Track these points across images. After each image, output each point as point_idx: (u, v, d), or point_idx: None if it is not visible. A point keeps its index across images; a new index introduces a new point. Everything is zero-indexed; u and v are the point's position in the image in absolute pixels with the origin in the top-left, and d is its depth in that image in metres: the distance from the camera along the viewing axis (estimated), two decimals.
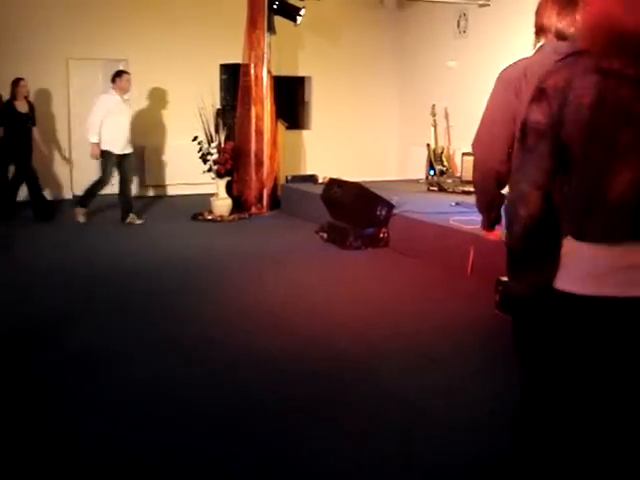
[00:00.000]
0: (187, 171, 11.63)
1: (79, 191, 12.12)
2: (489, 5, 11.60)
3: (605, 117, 1.97)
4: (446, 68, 12.25)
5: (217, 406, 4.13)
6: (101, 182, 9.95)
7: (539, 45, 3.14)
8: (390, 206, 8.52)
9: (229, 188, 10.69)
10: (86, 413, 4.00)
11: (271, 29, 10.88)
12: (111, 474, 3.37)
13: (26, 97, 10.21)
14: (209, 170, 10.39)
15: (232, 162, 10.42)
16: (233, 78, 11.16)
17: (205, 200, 10.60)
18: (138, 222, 9.97)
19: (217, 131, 10.49)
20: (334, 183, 9.05)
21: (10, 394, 4.24)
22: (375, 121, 13.96)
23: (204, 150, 10.32)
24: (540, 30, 3.13)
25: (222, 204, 10.47)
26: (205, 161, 10.35)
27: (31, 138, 10.21)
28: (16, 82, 10.08)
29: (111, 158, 9.80)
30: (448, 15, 12.32)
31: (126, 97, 9.99)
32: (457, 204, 8.97)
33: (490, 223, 3.35)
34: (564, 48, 2.69)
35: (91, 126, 9.76)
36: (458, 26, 12.24)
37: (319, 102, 13.70)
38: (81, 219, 9.98)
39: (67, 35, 11.82)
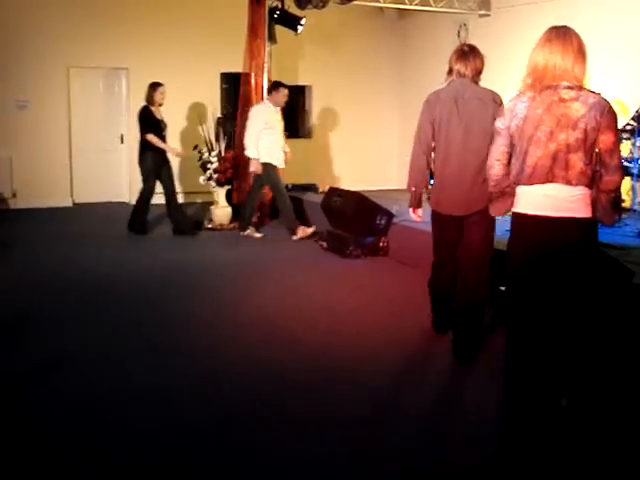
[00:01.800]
0: (187, 179, 11.63)
1: (78, 199, 12.17)
2: (489, 15, 11.63)
3: (528, 124, 3.53)
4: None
5: (211, 414, 4.13)
6: (282, 194, 9.71)
7: (450, 79, 5.29)
8: (390, 215, 8.53)
9: (229, 197, 10.70)
10: (72, 417, 4.02)
11: (272, 38, 10.91)
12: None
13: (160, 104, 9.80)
14: (209, 179, 10.39)
15: (232, 171, 10.43)
16: (234, 87, 11.20)
17: (205, 209, 10.60)
18: (257, 235, 9.79)
19: (217, 140, 10.50)
20: (334, 192, 9.06)
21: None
22: (376, 130, 13.98)
23: (204, 159, 10.33)
24: (450, 70, 5.31)
25: (222, 213, 10.48)
26: (205, 170, 10.36)
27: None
28: (155, 86, 9.70)
29: (274, 169, 9.61)
30: (448, 25, 12.34)
31: (278, 108, 9.76)
32: None
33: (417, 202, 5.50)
34: (463, 82, 5.20)
35: (250, 141, 9.50)
36: (458, 36, 12.24)
37: (319, 111, 13.73)
38: (257, 235, 9.83)
39: (68, 43, 11.86)
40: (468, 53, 5.26)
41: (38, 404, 4.21)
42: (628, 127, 8.06)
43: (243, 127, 10.86)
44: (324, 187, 10.73)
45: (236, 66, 11.05)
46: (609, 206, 3.57)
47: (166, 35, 12.25)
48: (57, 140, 12.26)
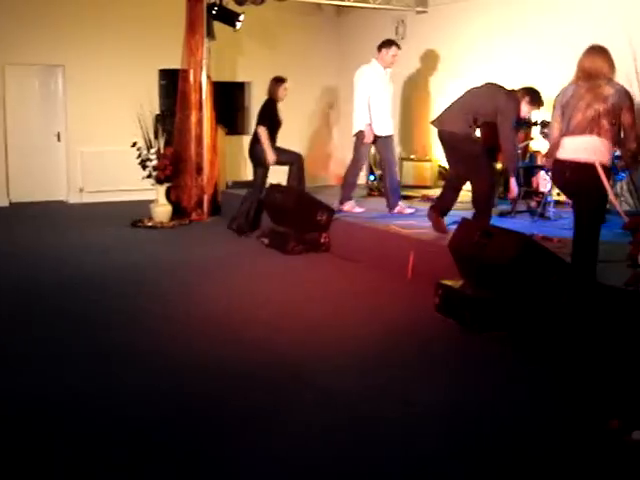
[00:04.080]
0: (126, 177, 11.52)
1: (15, 198, 11.96)
2: (426, 12, 11.74)
3: (575, 99, 5.27)
4: None
5: (156, 413, 4.10)
6: (357, 166, 9.08)
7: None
8: (331, 211, 8.56)
9: (169, 194, 10.62)
10: (18, 416, 3.95)
11: (210, 34, 10.84)
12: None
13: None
14: (149, 176, 10.31)
15: (172, 168, 10.35)
16: (172, 84, 11.09)
17: (145, 206, 10.51)
18: (408, 211, 8.82)
19: (156, 137, 10.41)
20: (275, 189, 9.05)
21: None
22: (314, 127, 13.99)
23: (143, 156, 10.24)
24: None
25: (162, 210, 10.40)
26: (144, 167, 10.27)
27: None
28: (279, 81, 9.40)
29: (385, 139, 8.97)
30: (386, 22, 12.41)
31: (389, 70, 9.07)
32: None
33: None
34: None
35: (359, 108, 8.81)
36: (396, 32, 12.32)
37: (259, 107, 13.65)
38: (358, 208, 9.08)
39: (3, 40, 11.61)
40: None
41: None
42: None
43: (182, 124, 10.81)
44: None
45: (174, 62, 10.95)
46: (629, 160, 5.92)
47: (103, 31, 12.08)
48: None
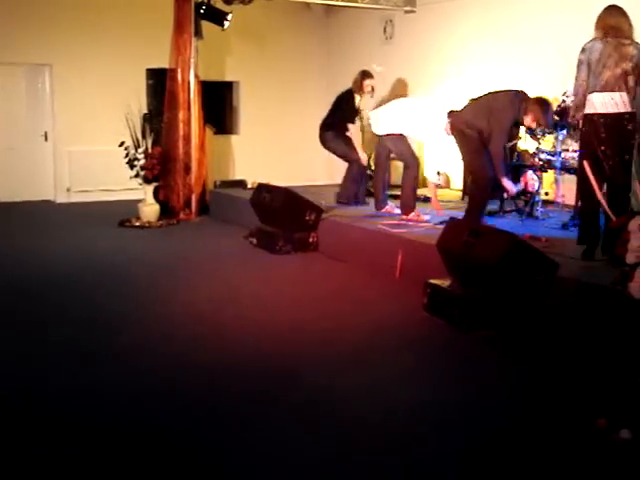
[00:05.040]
0: (114, 177, 11.48)
1: (2, 197, 11.90)
2: (415, 12, 11.74)
3: (604, 56, 5.82)
4: (373, 73, 12.33)
5: (141, 412, 4.09)
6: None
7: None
8: (319, 210, 8.55)
9: (157, 194, 10.59)
10: None
11: (198, 34, 10.82)
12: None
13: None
14: (136, 176, 10.28)
15: (159, 167, 10.32)
16: (160, 83, 11.06)
17: (133, 206, 10.48)
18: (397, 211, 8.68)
19: (144, 136, 10.38)
20: (263, 188, 9.03)
21: None
22: (303, 126, 13.92)
23: (131, 156, 10.21)
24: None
25: (150, 210, 10.37)
26: (132, 167, 10.24)
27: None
28: (365, 76, 9.44)
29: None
30: (375, 21, 12.43)
31: None
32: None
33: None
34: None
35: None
36: (385, 32, 12.36)
37: (247, 107, 13.67)
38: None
39: None
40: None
41: None
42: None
43: (170, 123, 10.78)
44: (253, 183, 10.71)
45: (162, 62, 10.91)
46: None
47: (90, 31, 12.03)
48: None
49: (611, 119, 5.93)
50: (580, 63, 6.02)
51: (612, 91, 5.87)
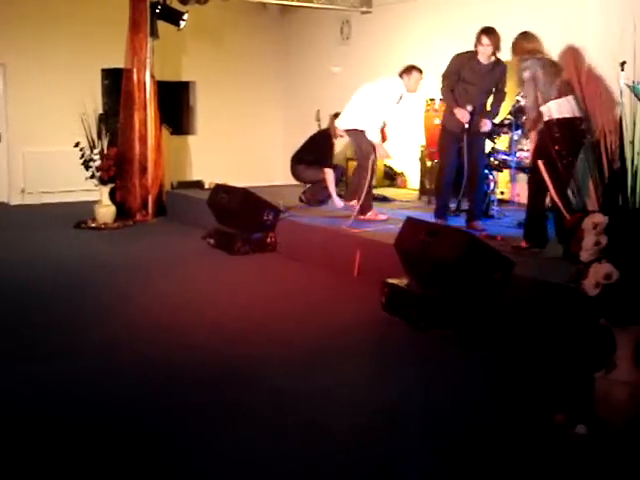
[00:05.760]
0: (69, 178, 11.35)
1: None
2: (371, 12, 11.79)
3: (546, 67, 6.33)
4: (330, 74, 12.37)
5: (99, 418, 4.05)
6: None
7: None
8: (277, 211, 8.54)
9: (113, 195, 10.50)
10: None
11: (154, 33, 10.74)
12: None
13: None
14: (92, 177, 10.18)
15: (115, 168, 10.23)
16: (115, 83, 10.97)
17: (89, 207, 10.37)
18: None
19: (100, 137, 10.28)
20: (220, 189, 9.00)
21: None
22: (260, 126, 13.96)
23: (86, 156, 10.11)
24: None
25: (106, 211, 10.27)
26: (88, 167, 10.13)
27: None
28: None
29: None
30: (331, 21, 12.45)
31: None
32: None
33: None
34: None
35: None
36: (341, 32, 12.38)
37: (204, 107, 13.61)
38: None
39: None
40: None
41: None
42: (506, 121, 8.29)
43: (126, 123, 10.69)
44: (210, 184, 10.67)
45: (117, 62, 10.83)
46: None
47: (45, 30, 11.88)
48: None
49: (565, 120, 6.25)
50: (527, 80, 6.37)
51: (566, 95, 6.29)
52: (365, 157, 8.29)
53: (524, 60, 6.46)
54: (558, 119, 6.27)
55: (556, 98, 6.30)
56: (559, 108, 6.29)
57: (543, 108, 6.35)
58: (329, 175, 9.13)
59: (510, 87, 8.02)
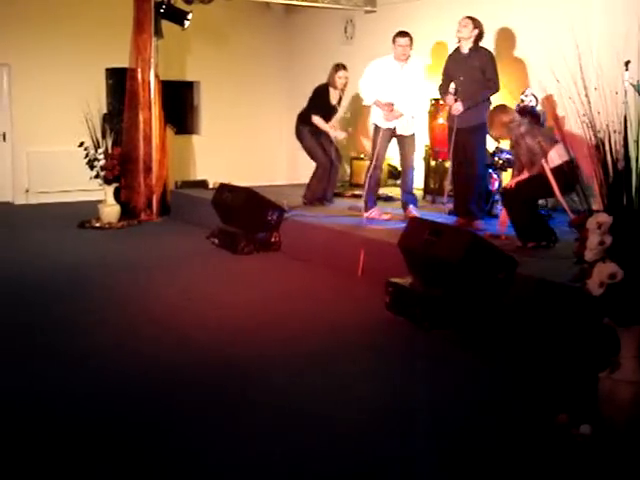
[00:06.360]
0: (73, 177, 11.36)
1: None
2: (375, 11, 11.78)
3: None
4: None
5: (101, 417, 4.05)
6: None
7: None
8: (281, 210, 8.54)
9: (117, 194, 10.51)
10: None
11: (158, 33, 10.74)
12: None
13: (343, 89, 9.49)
14: (97, 176, 10.19)
15: (120, 168, 10.24)
16: (120, 83, 10.98)
17: (93, 207, 10.38)
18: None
19: (104, 137, 10.29)
20: (224, 188, 9.01)
21: None
22: (265, 126, 13.97)
23: (91, 156, 10.12)
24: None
25: (110, 211, 10.28)
26: (92, 167, 10.15)
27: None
28: (337, 68, 9.43)
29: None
30: (335, 21, 12.44)
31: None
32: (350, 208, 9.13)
33: None
34: None
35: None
36: (345, 32, 12.37)
37: (208, 107, 13.61)
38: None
39: None
40: None
41: None
42: None
43: (130, 123, 10.70)
44: (214, 183, 10.67)
45: (122, 61, 10.83)
46: None
47: (49, 30, 11.90)
48: None
49: (566, 162, 6.42)
50: (527, 132, 6.62)
51: (556, 142, 6.65)
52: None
53: (510, 123, 6.65)
54: (563, 162, 6.41)
55: (551, 147, 6.50)
56: (558, 152, 6.45)
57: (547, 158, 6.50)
58: (317, 121, 9.33)
59: (515, 85, 8.04)
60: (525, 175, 6.63)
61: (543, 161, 6.40)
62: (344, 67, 9.47)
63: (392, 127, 8.26)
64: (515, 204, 6.63)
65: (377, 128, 8.34)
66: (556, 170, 6.39)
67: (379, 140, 8.23)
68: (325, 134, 9.48)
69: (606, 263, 3.60)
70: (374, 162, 8.34)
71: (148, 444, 3.73)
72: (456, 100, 7.61)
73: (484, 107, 7.53)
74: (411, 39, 8.19)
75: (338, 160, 9.67)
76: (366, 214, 8.25)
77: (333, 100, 9.52)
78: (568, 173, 6.21)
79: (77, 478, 3.40)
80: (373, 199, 8.53)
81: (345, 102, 10.29)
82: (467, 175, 7.72)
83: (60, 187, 12.18)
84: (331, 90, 9.47)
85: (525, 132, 6.59)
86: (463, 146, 7.65)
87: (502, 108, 6.91)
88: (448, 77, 7.78)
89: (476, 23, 7.57)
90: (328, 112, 9.50)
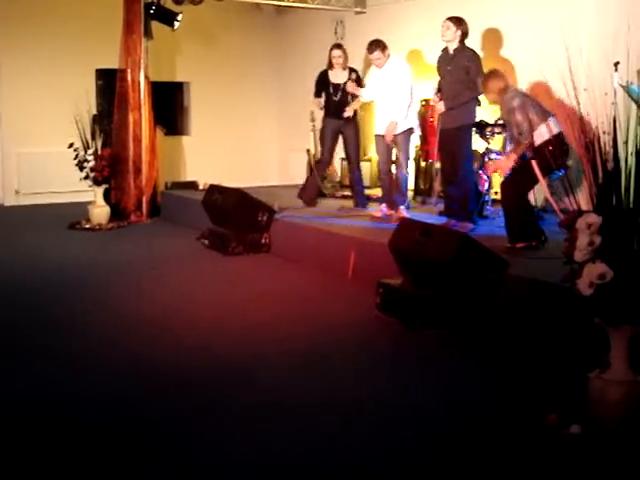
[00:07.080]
0: (63, 179, 11.33)
1: None
2: (365, 12, 11.79)
3: (530, 99, 6.82)
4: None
5: (95, 419, 4.04)
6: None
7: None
8: (271, 211, 8.54)
9: (107, 196, 10.49)
10: None
11: (148, 34, 10.73)
12: None
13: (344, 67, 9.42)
14: (86, 177, 10.17)
15: (109, 169, 10.22)
16: (109, 84, 10.96)
17: (83, 208, 10.35)
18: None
19: (94, 138, 10.27)
20: (215, 189, 9.00)
21: None
22: (255, 126, 13.96)
23: (80, 157, 10.10)
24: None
25: (100, 212, 10.25)
26: (82, 168, 10.13)
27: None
28: (331, 48, 9.55)
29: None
30: (325, 22, 12.43)
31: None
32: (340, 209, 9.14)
33: None
34: None
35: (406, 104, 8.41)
36: (335, 33, 12.36)
37: (198, 108, 13.59)
38: None
39: None
40: None
41: None
42: (500, 122, 8.29)
43: (120, 124, 10.68)
44: (204, 184, 10.65)
45: (111, 62, 10.81)
46: None
47: (39, 30, 11.87)
48: None
49: (557, 135, 6.57)
50: (518, 107, 6.54)
51: (548, 117, 6.62)
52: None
53: (506, 92, 6.69)
54: (551, 137, 6.49)
55: (542, 121, 6.53)
56: (548, 128, 6.50)
57: (536, 133, 6.52)
58: (315, 102, 9.59)
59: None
60: (512, 158, 6.72)
61: (534, 162, 6.49)
62: (337, 46, 9.58)
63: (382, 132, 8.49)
64: (509, 197, 6.67)
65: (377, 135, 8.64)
66: (544, 145, 6.45)
67: (376, 145, 8.70)
68: (326, 134, 9.51)
69: (596, 263, 3.60)
70: (380, 166, 8.72)
71: (144, 444, 3.71)
72: (440, 99, 7.63)
73: (469, 108, 7.52)
74: (374, 48, 8.50)
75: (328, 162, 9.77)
76: (396, 213, 8.26)
77: (335, 80, 9.44)
78: (556, 147, 6.31)
79: (74, 478, 3.39)
80: (399, 198, 8.49)
81: None
82: (452, 177, 7.69)
83: (50, 188, 12.15)
84: (330, 72, 9.48)
85: (517, 106, 6.56)
86: (447, 147, 7.63)
87: (495, 73, 6.92)
88: (439, 77, 7.80)
89: (458, 23, 7.52)
90: (334, 91, 9.43)
